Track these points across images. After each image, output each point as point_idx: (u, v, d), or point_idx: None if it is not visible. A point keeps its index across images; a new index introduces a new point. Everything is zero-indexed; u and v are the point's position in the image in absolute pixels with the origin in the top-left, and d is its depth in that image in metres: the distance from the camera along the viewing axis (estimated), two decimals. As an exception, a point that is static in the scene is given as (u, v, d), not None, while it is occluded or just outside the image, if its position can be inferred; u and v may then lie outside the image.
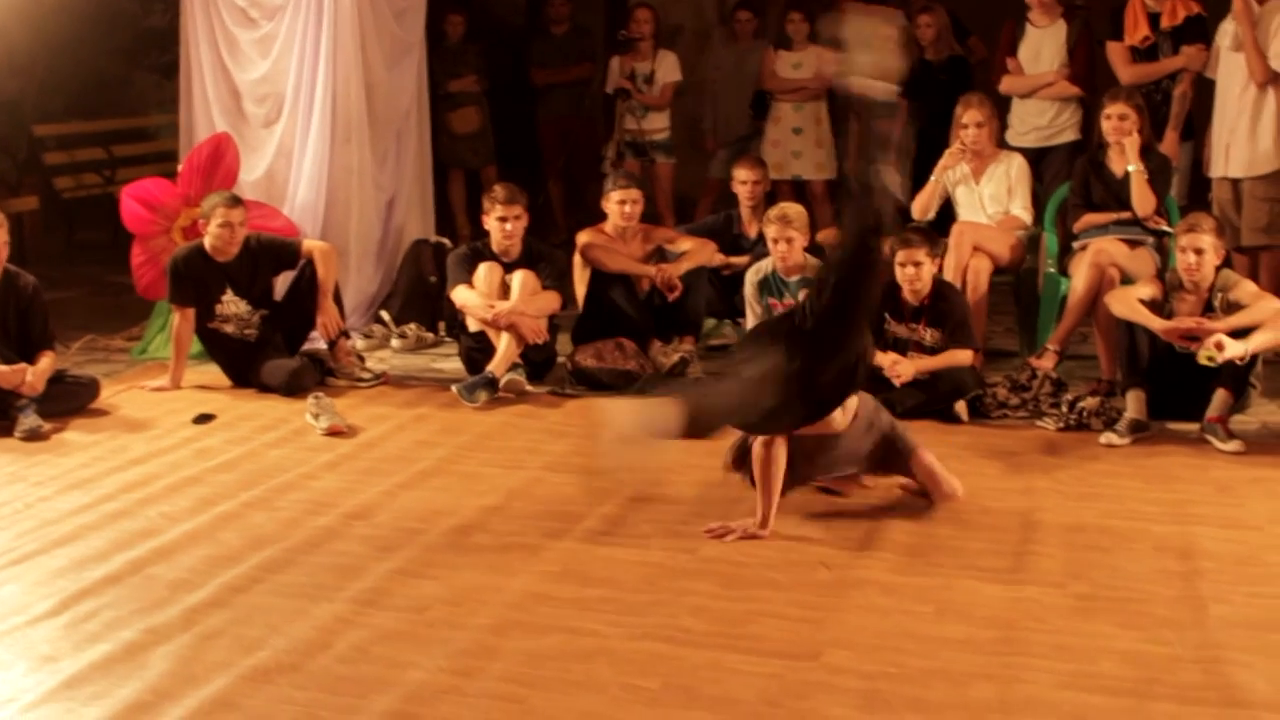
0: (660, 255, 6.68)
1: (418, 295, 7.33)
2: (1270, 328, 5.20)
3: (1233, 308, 5.33)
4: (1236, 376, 5.24)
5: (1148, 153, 6.17)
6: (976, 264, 6.25)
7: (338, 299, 6.46)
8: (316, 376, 6.28)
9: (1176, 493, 4.69)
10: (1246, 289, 5.41)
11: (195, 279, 6.25)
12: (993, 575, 3.95)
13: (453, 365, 6.62)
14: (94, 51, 10.30)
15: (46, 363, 5.76)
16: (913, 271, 5.58)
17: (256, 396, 6.13)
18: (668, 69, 8.73)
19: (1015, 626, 3.60)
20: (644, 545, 4.22)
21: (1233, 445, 5.13)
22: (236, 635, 3.58)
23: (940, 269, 5.83)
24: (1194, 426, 5.31)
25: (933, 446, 4.64)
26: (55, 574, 4.02)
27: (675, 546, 4.19)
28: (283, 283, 6.55)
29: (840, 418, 4.37)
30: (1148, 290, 5.52)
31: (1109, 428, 5.34)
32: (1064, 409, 5.49)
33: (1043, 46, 7.24)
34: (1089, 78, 7.19)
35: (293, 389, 6.06)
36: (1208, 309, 5.38)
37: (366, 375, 6.38)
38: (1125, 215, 6.16)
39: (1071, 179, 6.47)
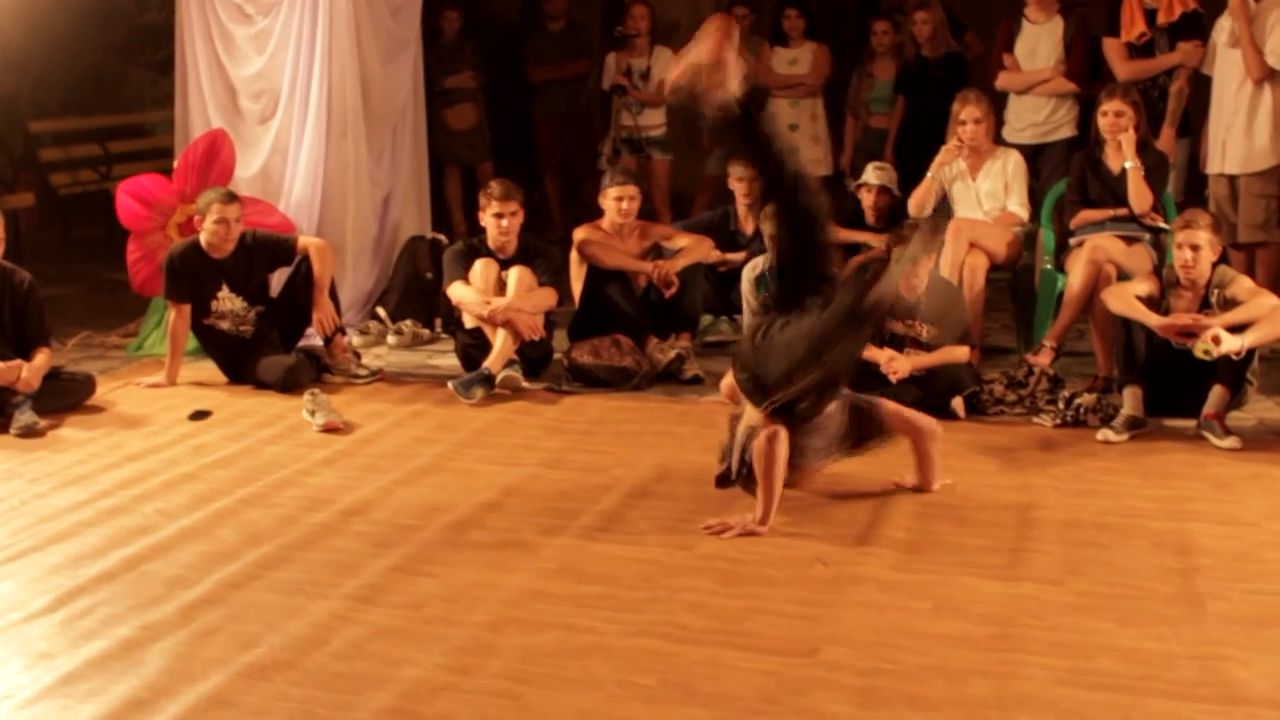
0: (657, 252, 6.67)
1: (414, 291, 7.33)
2: (1267, 323, 5.19)
3: (1229, 304, 5.32)
4: (1233, 373, 5.24)
5: (1144, 149, 6.17)
6: (973, 260, 6.24)
7: (334, 295, 6.44)
8: (312, 373, 6.28)
9: (1173, 489, 4.69)
10: (1243, 285, 5.41)
11: (191, 275, 6.24)
12: (990, 572, 3.95)
13: (449, 362, 6.61)
14: (90, 47, 10.27)
15: (42, 359, 5.76)
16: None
17: (252, 393, 6.13)
18: (664, 65, 8.71)
19: (1012, 623, 3.60)
20: (641, 542, 4.22)
21: (1230, 442, 5.13)
22: (233, 632, 3.57)
23: (937, 265, 5.83)
24: (1191, 423, 5.31)
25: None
26: (51, 570, 4.02)
27: (672, 543, 4.18)
28: (278, 279, 6.54)
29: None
30: (1144, 287, 5.51)
31: (1106, 424, 5.34)
32: (1061, 405, 5.48)
33: (1039, 43, 7.24)
34: (1085, 74, 7.19)
35: (289, 385, 6.05)
36: (1204, 305, 5.38)
37: (363, 372, 6.38)
38: (1122, 212, 6.16)
39: (1068, 175, 6.46)
